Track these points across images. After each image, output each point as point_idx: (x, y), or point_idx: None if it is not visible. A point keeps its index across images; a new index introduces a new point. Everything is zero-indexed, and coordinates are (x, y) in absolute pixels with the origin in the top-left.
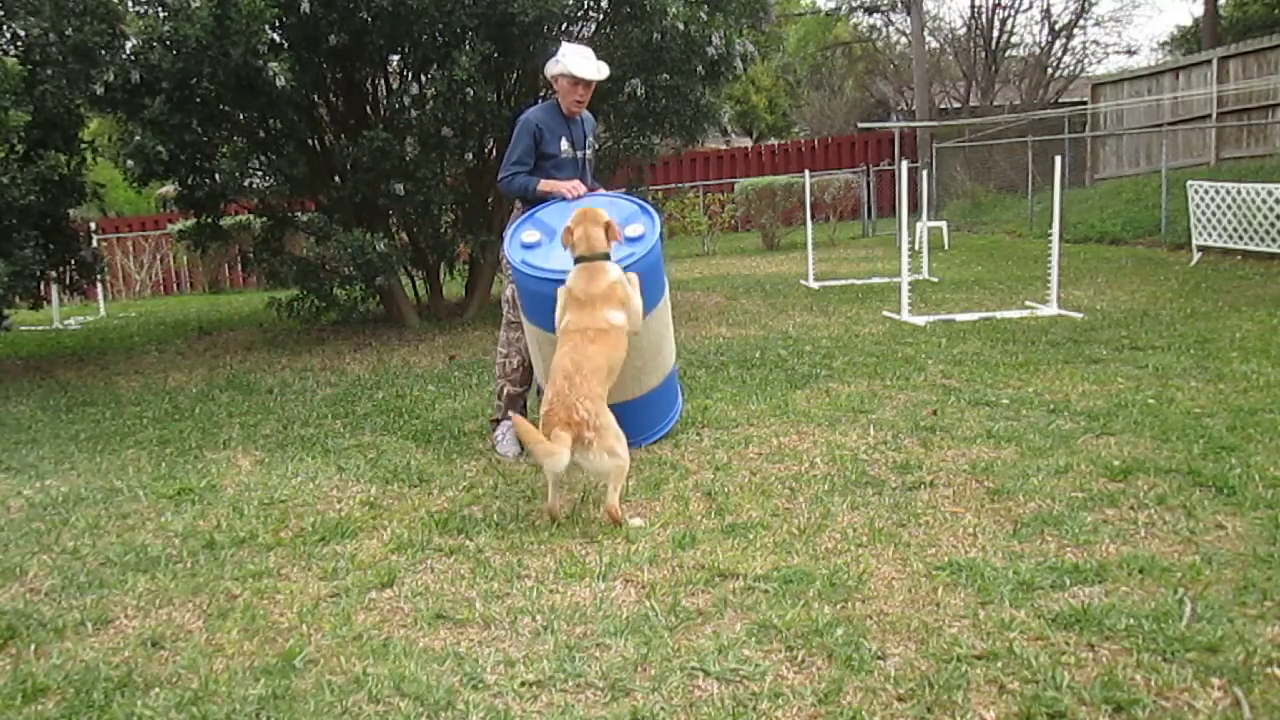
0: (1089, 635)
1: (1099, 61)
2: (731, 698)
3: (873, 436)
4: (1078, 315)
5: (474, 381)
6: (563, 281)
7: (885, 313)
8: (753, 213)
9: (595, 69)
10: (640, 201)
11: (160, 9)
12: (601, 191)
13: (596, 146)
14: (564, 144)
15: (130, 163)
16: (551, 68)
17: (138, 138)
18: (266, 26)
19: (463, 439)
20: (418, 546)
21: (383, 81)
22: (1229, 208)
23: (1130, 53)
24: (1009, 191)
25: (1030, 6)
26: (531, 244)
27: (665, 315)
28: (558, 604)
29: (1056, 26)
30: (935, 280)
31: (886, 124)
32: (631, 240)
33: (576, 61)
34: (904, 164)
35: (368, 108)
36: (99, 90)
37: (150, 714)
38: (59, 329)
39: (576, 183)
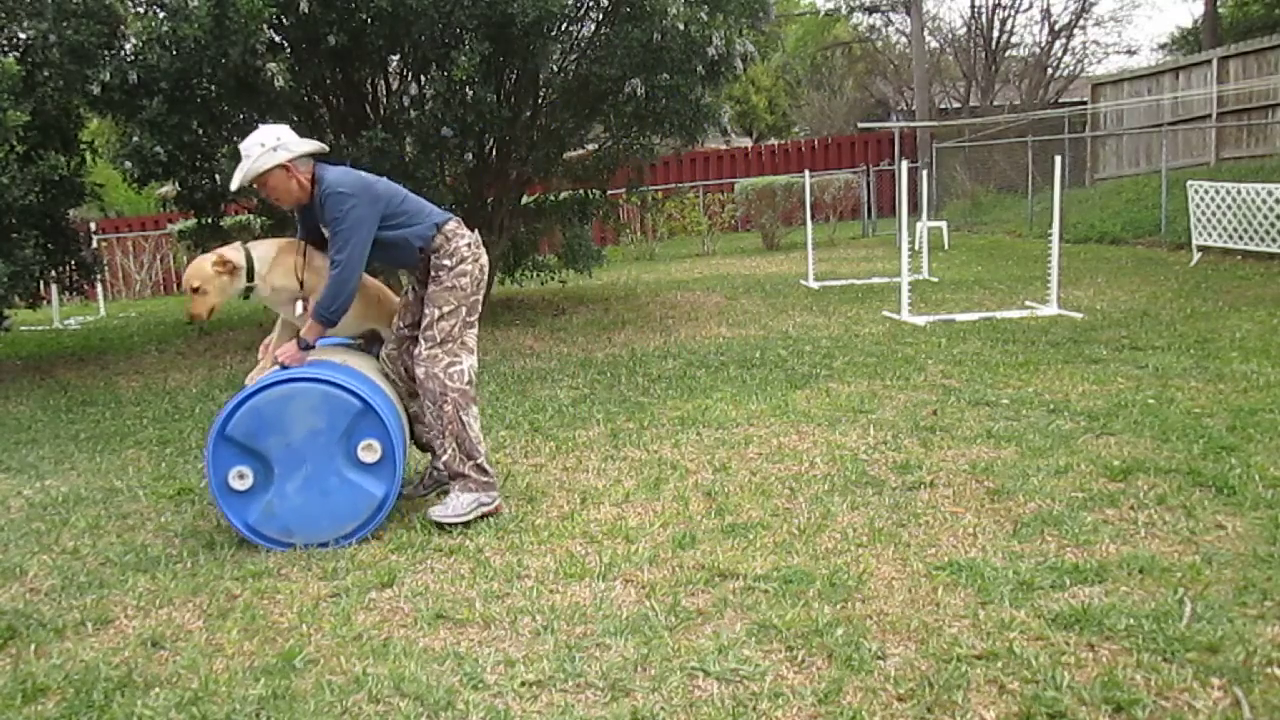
0: (1089, 635)
1: (1099, 61)
2: (731, 698)
3: (873, 436)
4: (1078, 315)
5: None
6: None
7: (885, 313)
8: (753, 213)
9: (238, 177)
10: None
11: (159, 9)
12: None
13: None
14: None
15: (128, 164)
16: None
17: (136, 138)
18: (265, 26)
19: None
20: (418, 546)
21: (382, 82)
22: (1229, 208)
23: (1130, 53)
24: (1009, 191)
25: (1030, 6)
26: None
27: None
28: (558, 604)
29: (1056, 26)
30: (935, 280)
31: (886, 124)
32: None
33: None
34: (904, 164)
35: (367, 108)
36: (96, 91)
37: (150, 714)
38: (59, 329)
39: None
